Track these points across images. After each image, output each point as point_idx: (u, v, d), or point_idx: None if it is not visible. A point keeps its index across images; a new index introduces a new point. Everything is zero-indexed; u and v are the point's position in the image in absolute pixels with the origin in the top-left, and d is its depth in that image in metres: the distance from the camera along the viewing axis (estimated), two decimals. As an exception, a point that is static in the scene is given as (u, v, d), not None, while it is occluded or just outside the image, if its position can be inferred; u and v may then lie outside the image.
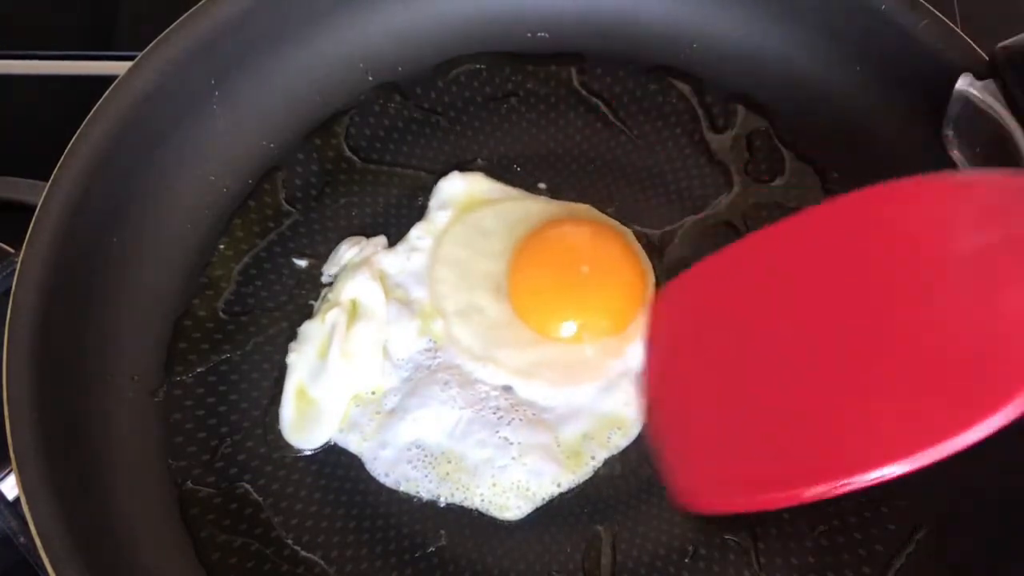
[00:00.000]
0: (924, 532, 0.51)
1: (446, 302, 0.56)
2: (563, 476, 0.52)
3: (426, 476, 0.52)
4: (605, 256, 0.56)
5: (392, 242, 0.58)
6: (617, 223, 0.59)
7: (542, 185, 0.61)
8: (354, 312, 0.55)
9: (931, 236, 0.47)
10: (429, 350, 0.55)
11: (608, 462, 0.53)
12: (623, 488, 0.53)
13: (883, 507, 0.52)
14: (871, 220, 0.49)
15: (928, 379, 0.44)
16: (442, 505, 0.52)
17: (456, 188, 0.59)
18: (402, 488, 0.52)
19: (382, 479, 0.52)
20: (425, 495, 0.52)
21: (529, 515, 0.52)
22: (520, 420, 0.53)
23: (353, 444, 0.53)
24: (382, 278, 0.56)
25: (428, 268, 0.57)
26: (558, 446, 0.53)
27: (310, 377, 0.54)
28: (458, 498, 0.52)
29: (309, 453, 0.53)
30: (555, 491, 0.52)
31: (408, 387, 0.54)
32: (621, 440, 0.53)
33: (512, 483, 0.52)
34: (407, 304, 0.56)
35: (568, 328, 0.55)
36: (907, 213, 0.48)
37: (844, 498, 0.51)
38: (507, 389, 0.54)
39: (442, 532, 0.52)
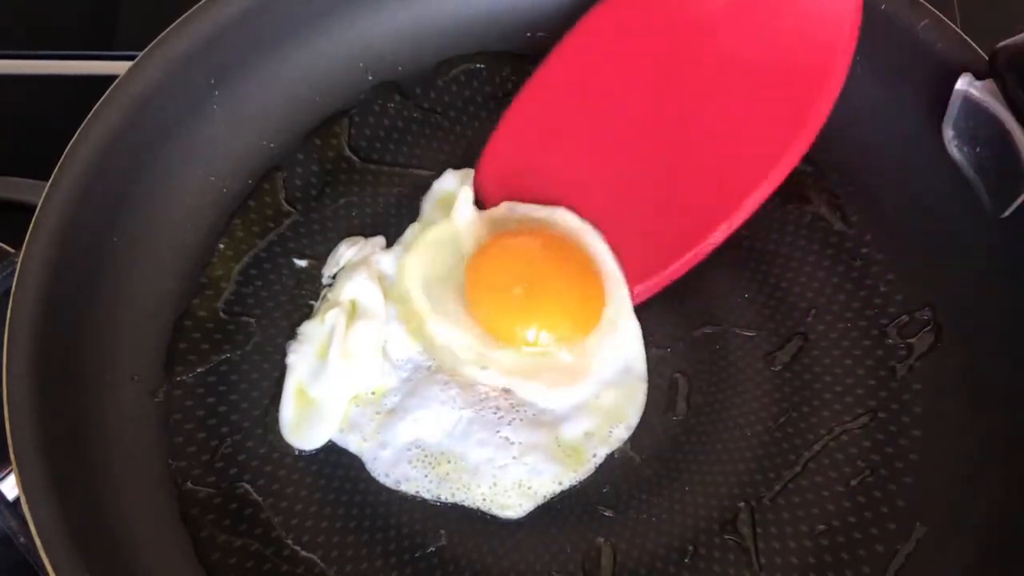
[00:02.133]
0: (924, 532, 0.51)
1: (428, 308, 0.55)
2: (564, 474, 0.52)
3: (426, 476, 0.52)
4: (554, 263, 0.55)
5: (391, 242, 0.58)
6: (590, 227, 0.57)
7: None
8: (353, 312, 0.55)
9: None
10: (428, 351, 0.55)
11: (608, 462, 0.53)
12: (623, 488, 0.53)
13: (883, 507, 0.52)
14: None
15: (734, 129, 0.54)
16: (442, 504, 0.52)
17: (449, 187, 0.59)
18: (402, 488, 0.52)
19: (382, 479, 0.52)
20: (425, 495, 0.52)
21: (529, 515, 0.52)
22: (520, 420, 0.53)
23: (353, 444, 0.53)
24: (380, 278, 0.56)
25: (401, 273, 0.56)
26: (559, 445, 0.53)
27: (310, 377, 0.54)
28: (459, 497, 0.52)
29: (309, 453, 0.53)
30: (556, 489, 0.52)
31: (408, 387, 0.54)
32: (623, 433, 0.53)
33: (513, 482, 0.52)
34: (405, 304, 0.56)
35: (533, 340, 0.54)
36: None
37: (844, 498, 0.52)
38: (507, 390, 0.54)
39: (442, 532, 0.52)
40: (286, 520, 0.52)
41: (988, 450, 0.52)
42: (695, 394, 0.55)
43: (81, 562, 0.45)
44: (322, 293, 0.57)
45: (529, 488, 0.52)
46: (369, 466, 0.53)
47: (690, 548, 0.51)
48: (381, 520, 0.52)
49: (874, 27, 0.59)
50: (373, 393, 0.54)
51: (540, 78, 0.59)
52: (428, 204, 0.59)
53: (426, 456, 0.53)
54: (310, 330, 0.55)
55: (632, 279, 0.55)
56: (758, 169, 0.54)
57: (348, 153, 0.62)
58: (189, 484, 0.52)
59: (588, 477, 0.53)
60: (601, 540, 0.51)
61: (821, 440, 0.54)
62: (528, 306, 0.54)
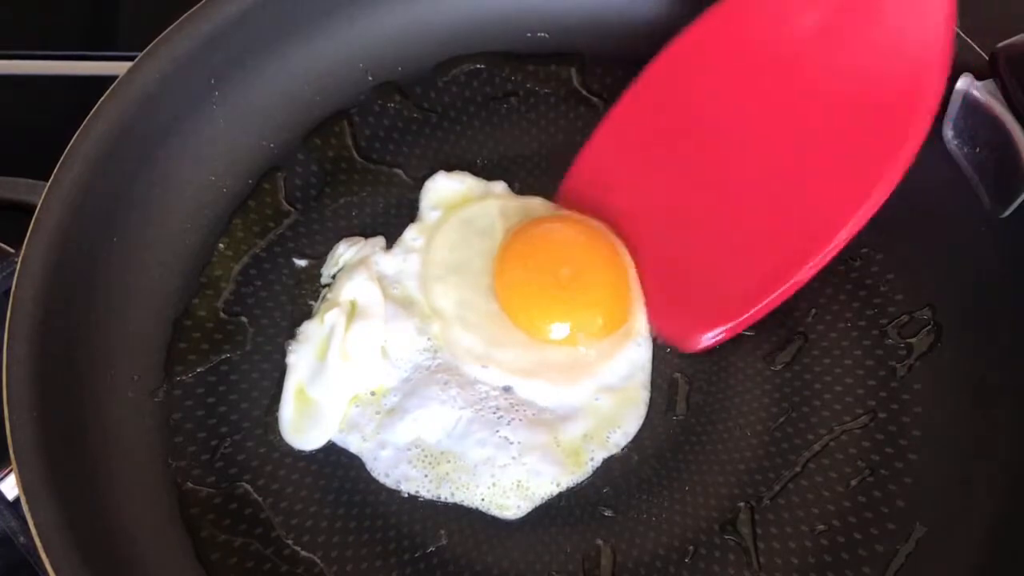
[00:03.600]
0: (924, 532, 0.51)
1: (441, 303, 0.56)
2: (563, 476, 0.52)
3: (426, 476, 0.52)
4: (592, 255, 0.56)
5: (391, 242, 0.58)
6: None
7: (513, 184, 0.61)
8: (353, 312, 0.55)
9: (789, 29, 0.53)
10: (428, 350, 0.55)
11: (608, 462, 0.53)
12: (623, 488, 0.53)
13: (883, 507, 0.52)
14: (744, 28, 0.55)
15: (842, 141, 0.51)
16: (442, 504, 0.52)
17: (443, 187, 0.59)
18: (402, 488, 0.52)
19: (382, 479, 0.52)
20: (425, 495, 0.52)
21: (529, 515, 0.52)
22: (520, 420, 0.53)
23: (353, 444, 0.53)
24: (380, 279, 0.56)
25: (421, 269, 0.57)
26: (558, 446, 0.53)
27: (309, 377, 0.54)
28: (458, 497, 0.52)
29: (309, 453, 0.53)
30: (554, 490, 0.52)
31: (407, 387, 0.54)
32: (620, 439, 0.53)
33: (512, 483, 0.52)
34: (405, 305, 0.56)
35: (558, 331, 0.54)
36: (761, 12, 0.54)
37: (844, 498, 0.52)
38: (507, 389, 0.54)
39: (442, 532, 0.52)
40: (286, 520, 0.52)
41: (988, 450, 0.52)
42: (695, 394, 0.55)
43: (81, 562, 0.45)
44: (322, 293, 0.57)
45: (527, 489, 0.52)
46: (369, 466, 0.53)
47: (690, 548, 0.51)
48: (381, 520, 0.52)
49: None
50: (373, 393, 0.54)
51: (631, 98, 0.58)
52: (425, 204, 0.59)
53: (426, 456, 0.53)
54: (309, 330, 0.55)
55: (699, 324, 0.54)
56: (840, 213, 0.51)
57: (348, 153, 0.62)
58: (189, 484, 0.52)
59: (588, 477, 0.53)
60: (601, 540, 0.51)
61: (821, 440, 0.54)
62: (564, 295, 0.54)
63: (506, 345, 0.55)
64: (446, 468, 0.52)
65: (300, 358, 0.54)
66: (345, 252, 0.57)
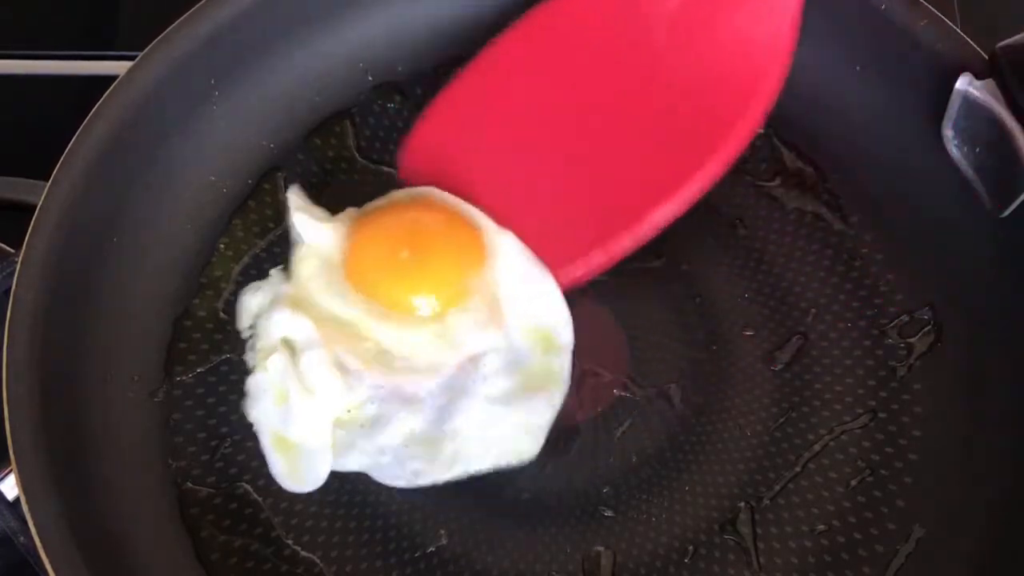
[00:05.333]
0: (924, 532, 0.51)
1: (353, 315, 0.55)
2: (552, 397, 0.53)
3: (434, 462, 0.52)
4: (424, 223, 0.56)
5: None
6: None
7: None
8: (292, 348, 0.53)
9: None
10: (378, 352, 0.54)
11: (608, 462, 0.53)
12: (623, 488, 0.53)
13: (883, 507, 0.52)
14: None
15: (665, 132, 0.54)
16: (442, 504, 0.52)
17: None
18: (419, 483, 0.52)
19: (395, 483, 0.52)
20: (443, 480, 0.52)
21: (529, 515, 0.52)
22: (491, 373, 0.53)
23: (353, 463, 0.52)
24: (300, 305, 0.54)
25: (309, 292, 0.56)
26: (530, 377, 0.54)
27: (282, 424, 0.52)
28: (476, 467, 0.52)
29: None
30: (554, 413, 0.53)
31: (380, 392, 0.53)
32: (566, 334, 0.55)
33: (515, 426, 0.52)
34: (332, 321, 0.54)
35: (428, 300, 0.54)
36: None
37: (844, 498, 0.52)
38: (464, 360, 0.54)
39: (442, 532, 0.52)
40: (286, 520, 0.52)
41: (988, 450, 0.52)
42: (695, 394, 0.55)
43: (81, 562, 0.45)
44: (248, 345, 0.55)
45: (531, 424, 0.53)
46: (378, 476, 0.52)
47: (690, 548, 0.51)
48: (381, 520, 0.52)
49: (874, 27, 0.59)
50: (349, 411, 0.53)
51: (476, 66, 0.59)
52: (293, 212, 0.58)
53: (426, 445, 0.52)
54: (258, 383, 0.53)
55: (553, 264, 0.55)
56: (671, 181, 0.53)
57: (348, 153, 0.62)
58: (189, 484, 0.52)
59: (587, 477, 0.53)
60: (601, 540, 0.51)
61: (821, 440, 0.54)
62: (411, 263, 0.55)
63: (429, 329, 0.54)
64: (451, 448, 0.52)
65: (262, 412, 0.53)
66: (252, 300, 0.56)
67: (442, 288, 0.54)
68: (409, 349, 0.54)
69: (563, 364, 0.54)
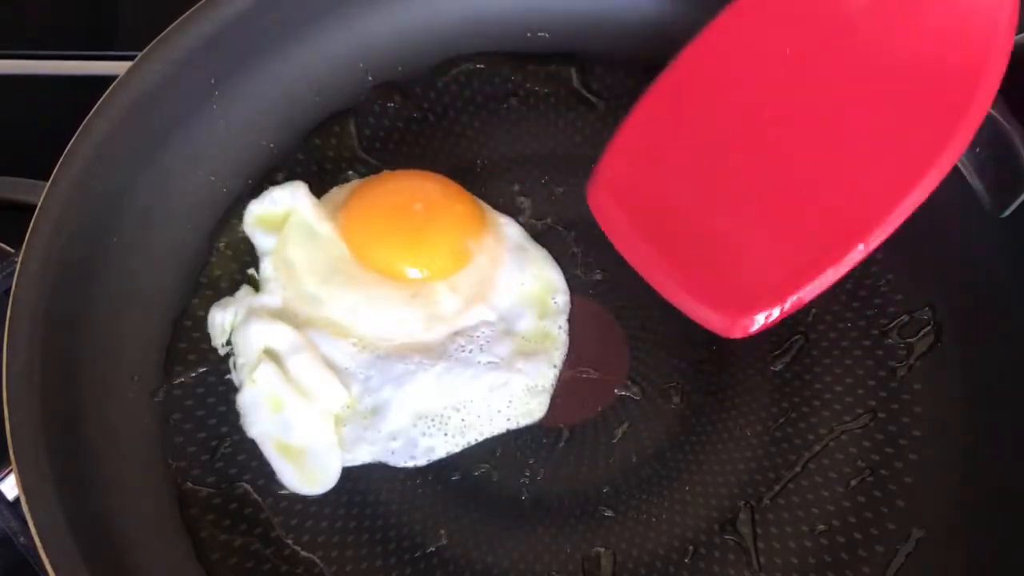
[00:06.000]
0: (924, 532, 0.51)
1: (336, 311, 0.55)
2: (551, 357, 0.55)
3: (446, 436, 0.53)
4: (432, 190, 0.57)
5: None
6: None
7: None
8: (276, 356, 0.53)
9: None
10: (363, 346, 0.55)
11: (608, 462, 0.53)
12: (623, 488, 0.53)
13: (883, 507, 0.52)
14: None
15: (887, 133, 0.48)
16: (442, 504, 0.52)
17: (259, 211, 0.58)
18: (435, 457, 0.53)
19: (409, 463, 0.52)
20: (458, 449, 0.53)
21: (529, 515, 0.52)
22: (485, 343, 0.55)
23: (364, 455, 0.53)
24: (275, 314, 0.55)
25: (298, 291, 0.56)
26: (528, 340, 0.55)
27: (283, 432, 0.53)
28: (487, 432, 0.53)
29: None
30: (556, 372, 0.55)
31: (374, 383, 0.54)
32: (562, 298, 0.57)
33: (522, 390, 0.54)
34: (311, 324, 0.55)
35: (414, 265, 0.55)
36: None
37: (844, 498, 0.52)
38: (454, 333, 0.55)
39: (442, 532, 0.52)
40: (286, 520, 0.52)
41: (988, 450, 0.52)
42: (695, 394, 0.55)
43: (81, 562, 0.45)
44: (231, 362, 0.55)
45: (536, 385, 0.54)
46: (391, 462, 0.53)
47: (690, 548, 0.51)
48: (381, 520, 0.52)
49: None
50: (348, 407, 0.53)
51: (664, 83, 0.54)
52: (257, 237, 0.58)
53: (434, 422, 0.53)
54: (249, 397, 0.53)
55: (762, 299, 0.49)
56: (900, 185, 0.47)
57: (348, 153, 0.62)
58: (189, 484, 0.52)
59: (587, 477, 0.53)
60: (601, 540, 0.51)
61: (821, 440, 0.54)
62: (414, 230, 0.56)
63: (416, 305, 0.55)
64: (459, 418, 0.53)
65: (261, 425, 0.53)
66: (223, 316, 0.55)
67: (443, 248, 0.55)
68: (395, 330, 0.55)
69: (560, 326, 0.56)
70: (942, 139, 0.46)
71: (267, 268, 0.57)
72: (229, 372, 0.55)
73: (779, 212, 0.50)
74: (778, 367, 0.56)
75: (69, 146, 0.53)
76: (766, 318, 0.49)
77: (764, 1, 0.52)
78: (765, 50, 0.52)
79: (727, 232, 0.50)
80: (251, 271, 0.58)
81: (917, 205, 0.47)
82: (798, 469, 0.53)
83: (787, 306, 0.48)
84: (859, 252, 0.47)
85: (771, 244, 0.50)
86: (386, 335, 0.55)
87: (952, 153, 0.47)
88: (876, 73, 0.48)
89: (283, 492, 0.52)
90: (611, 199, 0.54)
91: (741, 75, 0.52)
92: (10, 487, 0.52)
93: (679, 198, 0.52)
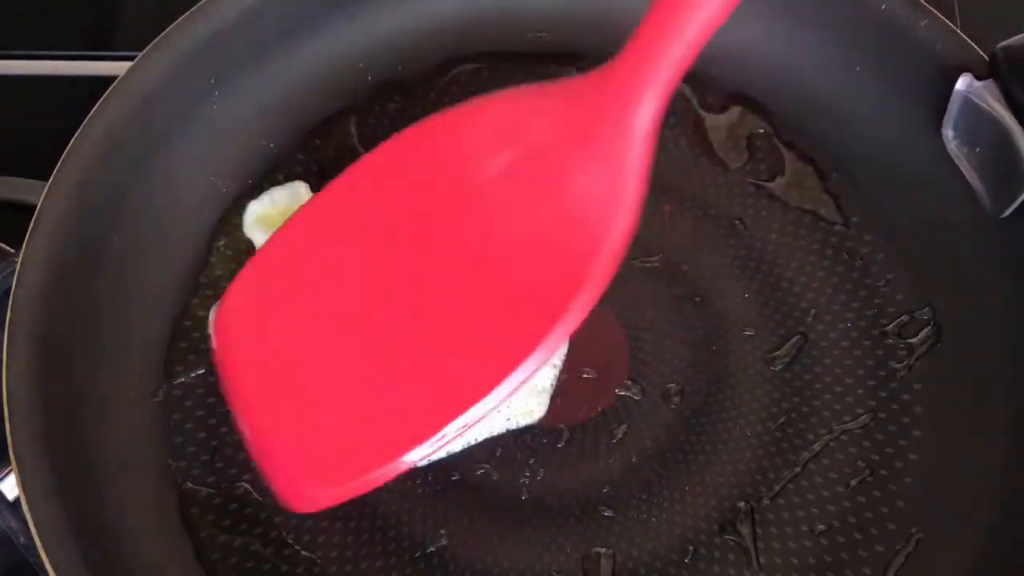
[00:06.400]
0: (924, 533, 0.51)
1: None
2: (553, 358, 0.54)
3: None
4: None
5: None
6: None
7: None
8: None
9: (470, 165, 0.46)
10: None
11: (608, 462, 0.53)
12: (623, 488, 0.53)
13: (883, 507, 0.52)
14: (421, 160, 0.49)
15: (493, 310, 0.45)
16: (442, 504, 0.52)
17: (256, 211, 0.58)
18: (435, 457, 0.52)
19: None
20: (459, 448, 0.53)
21: (529, 515, 0.52)
22: None
23: None
24: None
25: None
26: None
27: None
28: (487, 431, 0.53)
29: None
30: (555, 370, 0.54)
31: None
32: None
33: (521, 389, 0.52)
34: None
35: None
36: (451, 143, 0.48)
37: (844, 498, 0.52)
38: None
39: (442, 532, 0.52)
40: (286, 520, 0.51)
41: (988, 450, 0.52)
42: (695, 394, 0.55)
43: (81, 562, 0.45)
44: None
45: (536, 385, 0.54)
46: None
47: (690, 548, 0.51)
48: (381, 520, 0.52)
49: (874, 27, 0.59)
50: None
51: (293, 225, 0.49)
52: (255, 236, 0.57)
53: None
54: None
55: (329, 479, 0.45)
56: (496, 373, 0.43)
57: (348, 153, 0.62)
58: (189, 484, 0.52)
59: (587, 477, 0.53)
60: (601, 540, 0.51)
61: (821, 440, 0.54)
62: None
63: None
64: None
65: None
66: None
67: None
68: None
69: None
70: (546, 324, 0.43)
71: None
72: (229, 372, 0.55)
73: (378, 384, 0.45)
74: (778, 367, 0.56)
75: (69, 146, 0.53)
76: (331, 498, 0.45)
77: (399, 155, 0.49)
78: (394, 205, 0.48)
79: (321, 396, 0.46)
80: (251, 271, 0.58)
81: (504, 398, 0.43)
82: (798, 469, 0.53)
83: (356, 489, 0.44)
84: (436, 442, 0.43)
85: (357, 419, 0.45)
86: None
87: (551, 342, 0.43)
88: (500, 243, 0.46)
89: (283, 492, 0.52)
90: (233, 331, 0.48)
91: (368, 226, 0.48)
92: (10, 487, 0.52)
93: (295, 349, 0.47)
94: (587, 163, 0.44)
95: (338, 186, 0.49)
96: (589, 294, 0.43)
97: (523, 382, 0.43)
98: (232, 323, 0.48)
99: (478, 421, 0.43)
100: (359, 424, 0.45)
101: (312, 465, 0.45)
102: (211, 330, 0.49)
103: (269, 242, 0.49)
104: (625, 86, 0.43)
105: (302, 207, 0.50)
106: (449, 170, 0.47)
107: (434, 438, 0.43)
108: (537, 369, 0.43)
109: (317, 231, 0.49)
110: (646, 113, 0.43)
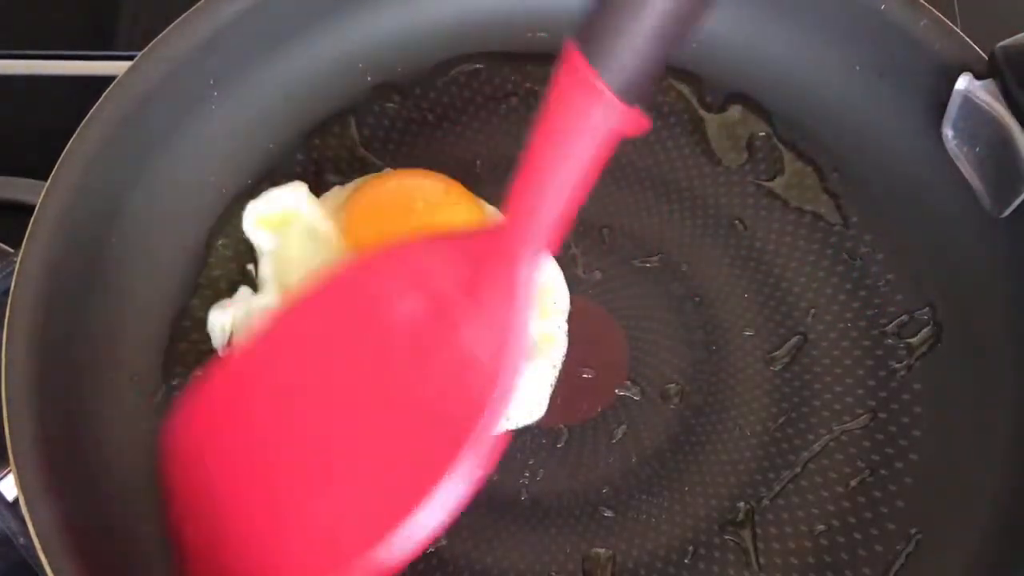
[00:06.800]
0: (924, 533, 0.51)
1: None
2: (553, 358, 0.55)
3: None
4: (434, 189, 0.57)
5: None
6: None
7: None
8: None
9: (381, 311, 0.48)
10: None
11: (608, 462, 0.53)
12: (623, 488, 0.53)
13: (883, 507, 0.52)
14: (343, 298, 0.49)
15: (392, 456, 0.45)
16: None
17: (261, 210, 0.57)
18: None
19: None
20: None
21: (529, 515, 0.52)
22: None
23: None
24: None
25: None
26: (532, 343, 0.55)
27: None
28: None
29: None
30: (556, 372, 0.54)
31: None
32: (562, 299, 0.56)
33: (520, 390, 0.53)
34: None
35: None
36: (372, 284, 0.49)
37: (844, 498, 0.52)
38: None
39: (442, 532, 0.52)
40: (286, 520, 0.51)
41: (988, 450, 0.52)
42: (695, 394, 0.55)
43: (81, 562, 0.45)
44: None
45: (536, 385, 0.54)
46: None
47: (690, 548, 0.51)
48: (381, 520, 0.52)
49: (874, 27, 0.59)
50: None
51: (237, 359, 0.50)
52: (255, 236, 0.57)
53: None
54: None
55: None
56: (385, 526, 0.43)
57: (347, 153, 0.62)
58: (189, 484, 0.52)
59: (587, 477, 0.53)
60: (601, 540, 0.51)
61: (821, 440, 0.54)
62: (418, 226, 0.55)
63: None
64: None
65: None
66: (223, 318, 0.55)
67: None
68: None
69: (559, 326, 0.56)
70: (444, 461, 0.43)
71: (267, 269, 0.57)
72: (229, 372, 0.55)
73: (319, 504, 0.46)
74: (778, 367, 0.56)
75: (69, 146, 0.53)
76: None
77: (333, 289, 0.50)
78: (324, 338, 0.49)
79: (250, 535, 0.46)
80: (250, 270, 0.57)
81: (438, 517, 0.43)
82: (798, 469, 0.53)
83: None
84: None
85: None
86: None
87: (452, 483, 0.43)
88: (407, 380, 0.47)
89: (283, 492, 0.52)
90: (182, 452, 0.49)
91: (303, 358, 0.49)
92: (9, 487, 0.52)
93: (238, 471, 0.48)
94: (477, 314, 0.45)
95: (276, 324, 0.49)
96: (473, 450, 0.43)
97: (454, 502, 0.42)
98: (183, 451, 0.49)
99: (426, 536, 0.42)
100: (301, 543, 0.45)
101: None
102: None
103: (213, 374, 0.49)
104: (506, 246, 0.45)
105: (240, 349, 0.50)
106: (368, 309, 0.48)
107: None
108: (460, 493, 0.43)
109: (255, 367, 0.49)
110: (526, 271, 0.44)
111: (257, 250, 0.57)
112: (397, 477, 0.45)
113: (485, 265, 0.45)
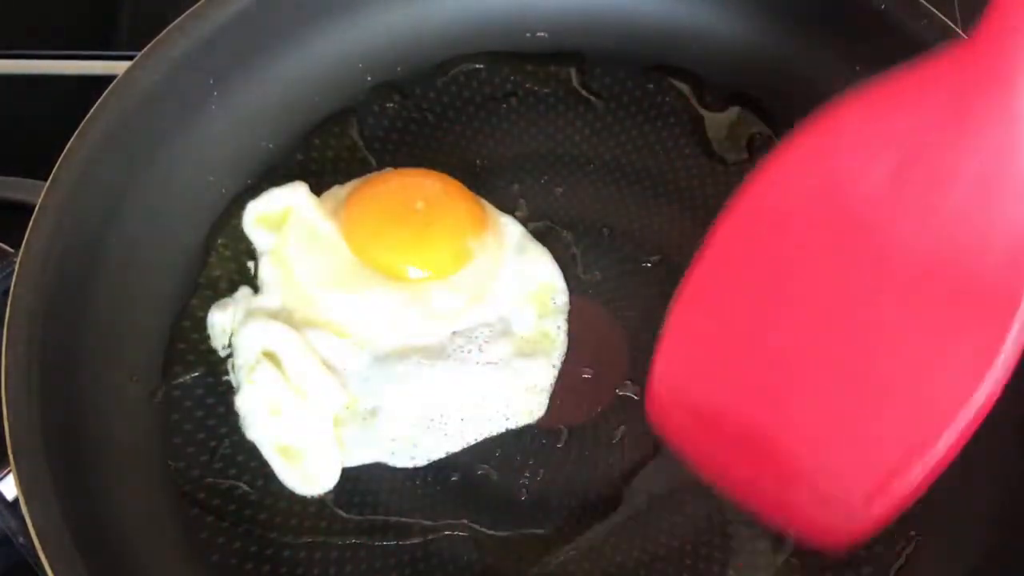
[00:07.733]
0: (923, 534, 0.51)
1: (336, 312, 0.55)
2: (551, 357, 0.55)
3: (446, 435, 0.53)
4: (433, 192, 0.57)
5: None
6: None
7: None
8: (275, 357, 0.53)
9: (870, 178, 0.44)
10: (360, 345, 0.55)
11: (608, 462, 0.53)
12: (623, 488, 0.53)
13: (883, 507, 0.52)
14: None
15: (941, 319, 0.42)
16: (441, 506, 0.52)
17: (260, 209, 0.58)
18: (435, 457, 0.53)
19: (411, 463, 0.53)
20: (459, 448, 0.53)
21: (529, 516, 0.52)
22: (484, 343, 0.55)
23: (361, 457, 0.53)
24: (274, 315, 0.55)
25: (297, 291, 0.55)
26: (527, 340, 0.55)
27: (282, 433, 0.53)
28: (487, 431, 0.54)
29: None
30: (555, 372, 0.55)
31: (373, 383, 0.54)
32: (562, 298, 0.57)
33: (518, 388, 0.54)
34: (310, 324, 0.55)
35: (415, 264, 0.55)
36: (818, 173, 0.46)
37: (844, 498, 0.52)
38: (453, 333, 0.55)
39: (443, 532, 0.52)
40: (284, 521, 0.51)
41: (988, 451, 0.52)
42: (695, 394, 0.55)
43: (81, 562, 0.45)
44: (229, 364, 0.55)
45: (535, 385, 0.54)
46: (391, 462, 0.53)
47: (690, 548, 0.51)
48: (381, 520, 0.52)
49: (874, 27, 0.59)
50: (348, 407, 0.53)
51: (698, 278, 0.48)
52: (255, 236, 0.58)
53: (433, 422, 0.53)
54: (248, 399, 0.53)
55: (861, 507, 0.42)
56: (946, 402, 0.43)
57: (347, 153, 0.62)
58: (188, 485, 0.52)
59: (587, 477, 0.53)
60: (601, 540, 0.51)
61: (821, 440, 0.54)
62: (418, 228, 0.56)
63: (415, 305, 0.55)
64: (458, 418, 0.53)
65: (260, 426, 0.53)
66: (223, 318, 0.55)
67: (444, 247, 0.55)
68: (395, 330, 0.55)
69: (559, 326, 0.56)
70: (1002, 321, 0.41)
71: (266, 268, 0.57)
72: (228, 373, 0.55)
73: (848, 410, 0.43)
74: (778, 367, 0.56)
75: (69, 146, 0.53)
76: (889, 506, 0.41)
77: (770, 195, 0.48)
78: (785, 244, 0.47)
79: (795, 430, 0.44)
80: (250, 270, 0.58)
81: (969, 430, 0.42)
82: (798, 469, 0.53)
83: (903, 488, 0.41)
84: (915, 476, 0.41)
85: (848, 441, 0.43)
86: (385, 335, 0.55)
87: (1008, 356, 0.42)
88: (904, 278, 0.43)
89: (283, 493, 0.52)
90: (674, 401, 0.46)
91: (772, 261, 0.47)
92: (9, 487, 0.52)
93: (745, 390, 0.45)
94: (977, 163, 0.40)
95: (717, 243, 0.48)
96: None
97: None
98: (674, 385, 0.46)
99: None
100: (861, 431, 0.42)
101: (848, 482, 0.42)
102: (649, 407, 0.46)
103: (682, 296, 0.48)
104: (993, 69, 0.39)
105: (701, 255, 0.48)
106: (828, 202, 0.45)
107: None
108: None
109: (721, 283, 0.47)
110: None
111: (257, 250, 0.57)
112: (940, 360, 0.42)
113: (968, 100, 0.40)
